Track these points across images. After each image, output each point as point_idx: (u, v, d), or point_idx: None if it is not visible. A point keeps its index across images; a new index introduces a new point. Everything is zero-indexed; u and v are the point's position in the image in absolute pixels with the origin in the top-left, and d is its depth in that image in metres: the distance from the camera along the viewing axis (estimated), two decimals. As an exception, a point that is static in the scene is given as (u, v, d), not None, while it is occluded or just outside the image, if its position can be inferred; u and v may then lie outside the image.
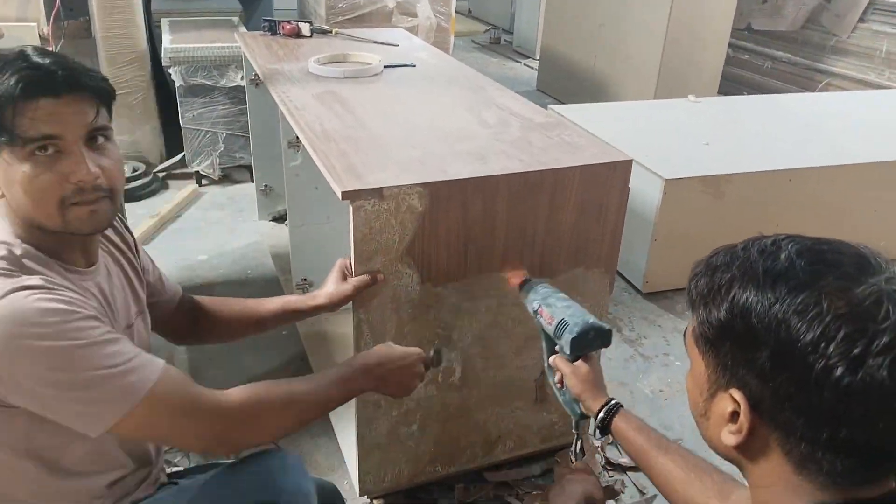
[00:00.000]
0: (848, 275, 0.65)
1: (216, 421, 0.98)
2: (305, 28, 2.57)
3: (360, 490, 1.66)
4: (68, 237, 0.98)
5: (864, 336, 0.61)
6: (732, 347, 0.68)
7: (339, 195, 1.33)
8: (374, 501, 1.72)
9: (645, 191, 2.59)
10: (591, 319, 1.22)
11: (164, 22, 3.65)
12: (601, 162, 1.55)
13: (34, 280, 0.90)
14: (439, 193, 1.40)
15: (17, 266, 0.91)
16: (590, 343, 1.20)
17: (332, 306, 1.40)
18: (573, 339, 1.19)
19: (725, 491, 0.96)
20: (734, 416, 0.70)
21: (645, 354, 2.39)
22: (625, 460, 1.86)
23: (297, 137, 1.80)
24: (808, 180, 2.71)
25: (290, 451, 1.19)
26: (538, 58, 5.77)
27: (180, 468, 1.34)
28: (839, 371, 0.61)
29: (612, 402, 1.13)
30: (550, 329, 1.26)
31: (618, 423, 1.10)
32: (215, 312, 1.36)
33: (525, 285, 1.41)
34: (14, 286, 0.87)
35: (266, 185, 2.97)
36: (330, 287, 1.40)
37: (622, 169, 1.57)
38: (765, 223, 2.55)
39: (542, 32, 5.71)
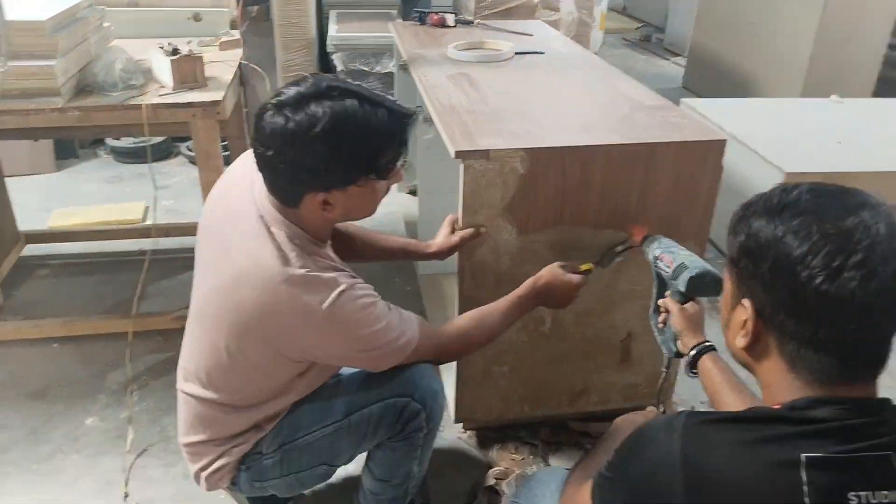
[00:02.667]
0: (845, 207, 0.79)
1: (445, 352, 1.44)
2: (450, 19, 2.84)
3: (455, 417, 1.90)
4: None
5: (842, 253, 0.75)
6: (746, 263, 0.84)
7: (453, 154, 1.57)
8: (468, 432, 1.96)
9: (766, 183, 2.59)
10: (711, 267, 1.35)
11: (333, 13, 4.08)
12: (695, 140, 1.67)
13: (341, 281, 1.23)
14: (539, 158, 1.60)
15: (309, 262, 1.23)
16: (704, 287, 1.32)
17: (442, 255, 1.68)
18: (691, 277, 1.32)
19: None
20: (745, 323, 0.85)
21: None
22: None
23: (431, 113, 2.06)
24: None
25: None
26: (687, 55, 5.72)
27: None
28: (819, 280, 0.76)
29: (707, 342, 1.27)
30: (668, 272, 1.39)
31: (705, 360, 1.24)
32: (353, 236, 1.68)
33: (647, 238, 1.57)
34: (337, 292, 1.21)
35: (405, 161, 3.27)
36: (440, 238, 1.68)
37: (716, 147, 1.68)
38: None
39: (693, 29, 5.65)
